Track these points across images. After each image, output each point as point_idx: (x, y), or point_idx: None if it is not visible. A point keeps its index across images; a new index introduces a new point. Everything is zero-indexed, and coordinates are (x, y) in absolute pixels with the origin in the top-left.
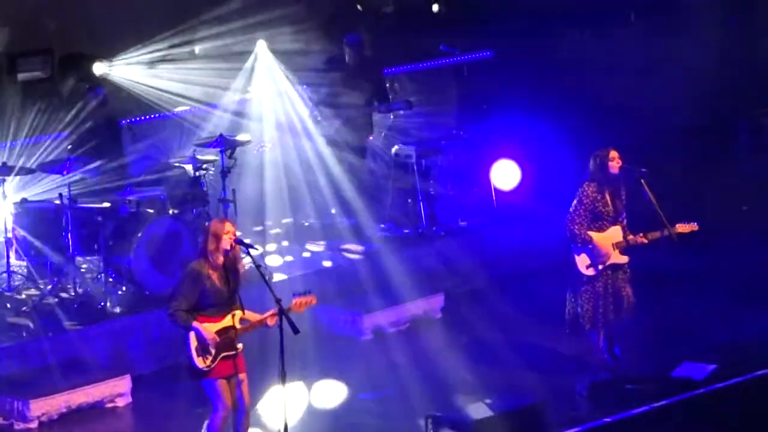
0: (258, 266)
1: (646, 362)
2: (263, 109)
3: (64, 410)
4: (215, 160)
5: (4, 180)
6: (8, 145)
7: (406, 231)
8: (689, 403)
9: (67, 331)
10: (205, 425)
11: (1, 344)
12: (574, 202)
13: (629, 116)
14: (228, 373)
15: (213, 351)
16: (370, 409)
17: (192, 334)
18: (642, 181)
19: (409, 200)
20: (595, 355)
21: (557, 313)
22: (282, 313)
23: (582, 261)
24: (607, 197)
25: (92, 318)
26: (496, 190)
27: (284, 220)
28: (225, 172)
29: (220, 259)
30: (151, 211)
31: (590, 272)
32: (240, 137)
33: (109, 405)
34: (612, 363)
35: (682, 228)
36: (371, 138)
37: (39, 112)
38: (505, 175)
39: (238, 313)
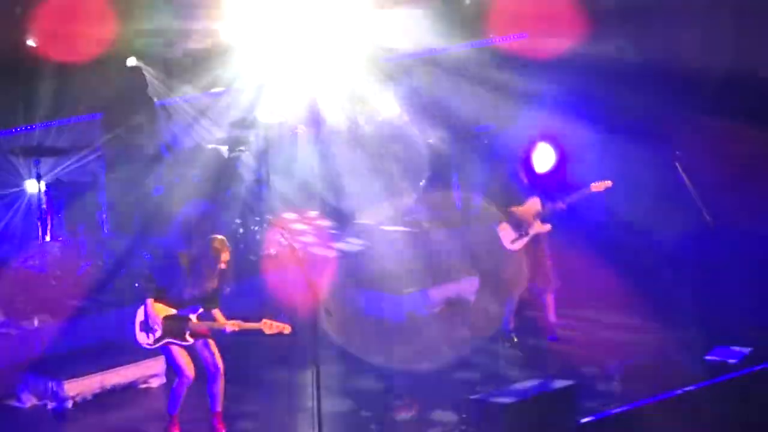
0: (293, 249)
1: (680, 345)
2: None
3: (98, 391)
4: (250, 142)
5: (39, 160)
6: (43, 126)
7: (442, 214)
8: (723, 386)
9: (100, 312)
10: None
11: (35, 325)
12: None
13: (666, 101)
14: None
15: (158, 332)
16: (404, 391)
17: (141, 308)
18: (676, 164)
19: (445, 184)
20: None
21: (591, 295)
22: (315, 297)
23: (506, 236)
24: (521, 173)
25: (126, 298)
26: None
27: (318, 203)
28: (259, 154)
29: (207, 274)
30: (186, 192)
31: (516, 246)
32: (274, 119)
33: (143, 386)
34: (514, 332)
35: (596, 186)
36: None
37: (73, 92)
38: (540, 158)
39: (199, 309)
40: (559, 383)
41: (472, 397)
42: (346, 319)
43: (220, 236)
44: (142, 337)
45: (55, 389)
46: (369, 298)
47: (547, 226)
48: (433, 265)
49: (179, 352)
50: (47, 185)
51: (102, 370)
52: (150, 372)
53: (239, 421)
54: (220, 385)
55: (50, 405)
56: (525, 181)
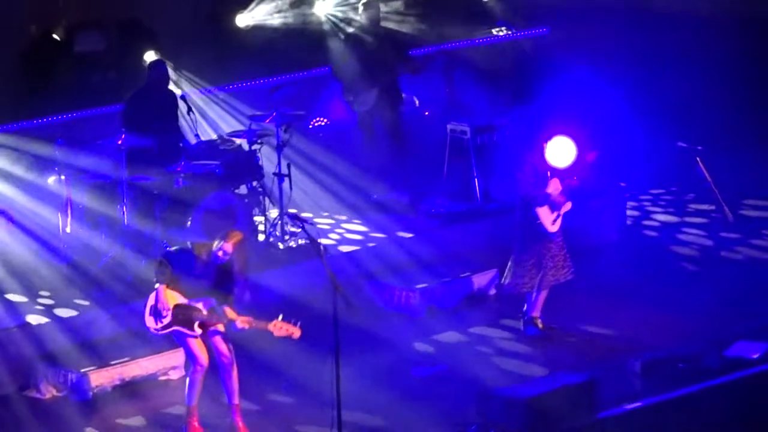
0: (313, 241)
1: (700, 340)
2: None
3: (118, 382)
4: (271, 134)
5: (60, 152)
6: (64, 117)
7: (461, 207)
8: (743, 381)
9: (120, 304)
10: None
11: (55, 317)
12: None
13: (690, 94)
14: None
15: (167, 319)
16: (422, 385)
17: (154, 293)
18: (697, 159)
19: (464, 176)
20: (534, 310)
21: (610, 290)
22: (336, 288)
23: (547, 217)
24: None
25: (146, 291)
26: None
27: (339, 195)
28: (280, 147)
29: (219, 266)
30: (207, 184)
31: (555, 227)
32: (294, 112)
33: (163, 378)
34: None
35: (589, 157)
36: (426, 114)
37: (96, 84)
38: (561, 151)
39: (212, 302)
40: (578, 378)
41: (490, 390)
42: (366, 313)
43: (235, 231)
44: (150, 322)
45: (74, 380)
46: (387, 291)
47: (569, 204)
48: (452, 257)
49: (193, 340)
50: (67, 177)
51: (122, 361)
52: (170, 364)
53: (258, 411)
54: (234, 376)
55: (70, 396)
56: (543, 165)
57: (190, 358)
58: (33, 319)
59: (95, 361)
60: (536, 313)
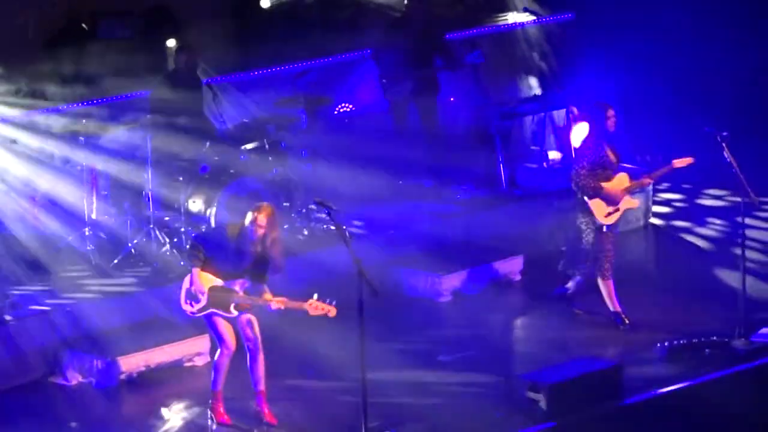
0: (338, 226)
1: (726, 327)
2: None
3: (143, 369)
4: (296, 120)
5: (86, 138)
6: (91, 103)
7: (486, 193)
8: None
9: (146, 290)
10: None
11: (80, 303)
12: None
13: (715, 80)
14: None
15: (202, 302)
16: (450, 369)
17: (188, 277)
18: (723, 144)
19: (489, 162)
20: (612, 306)
21: (636, 276)
22: (361, 274)
23: (599, 210)
24: (607, 149)
25: (171, 277)
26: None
27: (364, 181)
28: (306, 132)
29: (252, 243)
30: (232, 170)
31: (610, 220)
32: (320, 97)
33: (188, 364)
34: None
35: (678, 163)
36: (452, 99)
37: (121, 71)
38: (575, 133)
39: (247, 283)
40: (604, 363)
41: (517, 375)
42: (392, 299)
43: (265, 203)
44: (185, 305)
45: (100, 367)
46: (413, 277)
47: (636, 202)
48: (478, 243)
49: (222, 323)
50: (93, 162)
51: (147, 348)
52: (195, 350)
53: (284, 398)
54: (261, 362)
55: (95, 383)
56: (613, 158)
57: (219, 341)
58: (59, 305)
59: (120, 347)
60: (617, 308)
